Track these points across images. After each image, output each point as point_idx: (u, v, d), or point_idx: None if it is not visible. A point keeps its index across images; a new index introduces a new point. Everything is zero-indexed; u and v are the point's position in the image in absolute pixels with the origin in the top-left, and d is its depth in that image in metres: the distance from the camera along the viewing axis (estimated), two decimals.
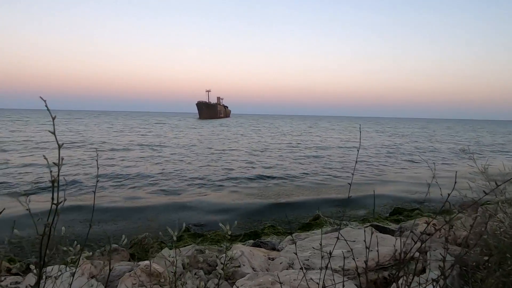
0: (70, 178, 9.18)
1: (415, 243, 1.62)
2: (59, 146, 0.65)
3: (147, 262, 2.15)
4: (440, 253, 1.71)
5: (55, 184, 0.69)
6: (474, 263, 1.93)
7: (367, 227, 4.70)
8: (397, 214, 7.05)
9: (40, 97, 0.59)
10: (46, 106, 0.62)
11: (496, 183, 1.45)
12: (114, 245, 4.77)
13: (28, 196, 0.77)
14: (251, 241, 4.81)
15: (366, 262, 1.18)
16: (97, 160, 1.08)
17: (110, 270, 0.96)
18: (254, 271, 1.91)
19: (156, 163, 12.91)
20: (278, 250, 3.80)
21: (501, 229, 2.12)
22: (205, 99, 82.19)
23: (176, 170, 11.58)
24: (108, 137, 22.85)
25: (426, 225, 3.86)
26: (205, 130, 36.76)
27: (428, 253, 2.37)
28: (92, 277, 2.30)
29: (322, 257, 1.14)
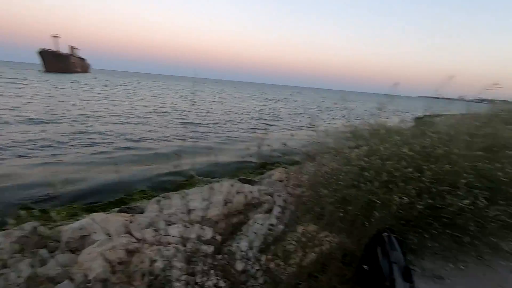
0: None
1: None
2: None
3: None
4: (283, 195, 2.05)
5: None
6: (306, 199, 2.44)
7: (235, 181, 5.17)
8: (261, 168, 8.05)
9: None
10: None
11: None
12: None
13: None
14: (117, 208, 4.43)
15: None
16: None
17: None
18: (109, 236, 1.76)
19: None
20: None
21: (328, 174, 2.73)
22: (50, 47, 63.62)
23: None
24: None
25: (279, 174, 4.60)
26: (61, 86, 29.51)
27: (274, 195, 2.89)
28: None
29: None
